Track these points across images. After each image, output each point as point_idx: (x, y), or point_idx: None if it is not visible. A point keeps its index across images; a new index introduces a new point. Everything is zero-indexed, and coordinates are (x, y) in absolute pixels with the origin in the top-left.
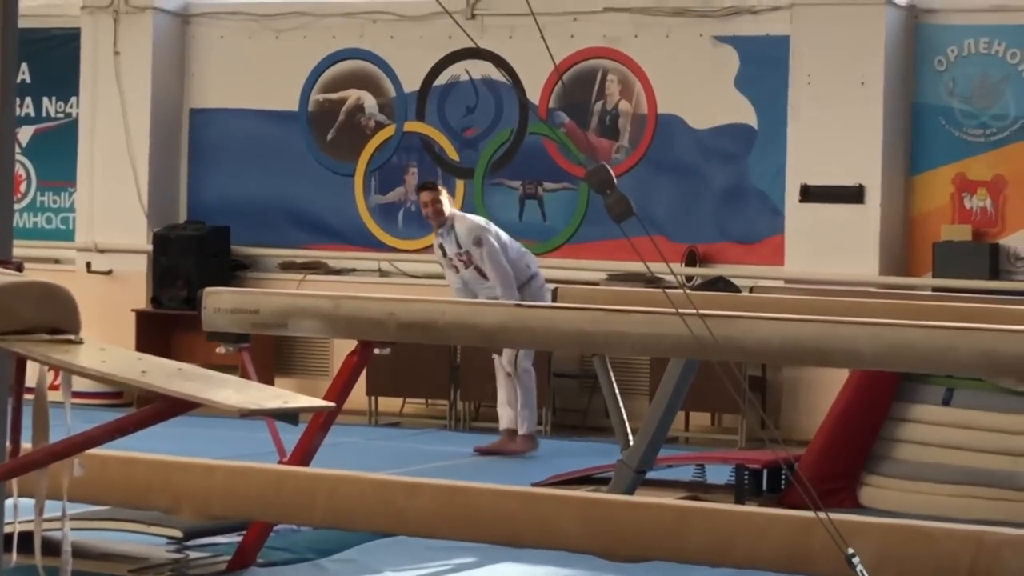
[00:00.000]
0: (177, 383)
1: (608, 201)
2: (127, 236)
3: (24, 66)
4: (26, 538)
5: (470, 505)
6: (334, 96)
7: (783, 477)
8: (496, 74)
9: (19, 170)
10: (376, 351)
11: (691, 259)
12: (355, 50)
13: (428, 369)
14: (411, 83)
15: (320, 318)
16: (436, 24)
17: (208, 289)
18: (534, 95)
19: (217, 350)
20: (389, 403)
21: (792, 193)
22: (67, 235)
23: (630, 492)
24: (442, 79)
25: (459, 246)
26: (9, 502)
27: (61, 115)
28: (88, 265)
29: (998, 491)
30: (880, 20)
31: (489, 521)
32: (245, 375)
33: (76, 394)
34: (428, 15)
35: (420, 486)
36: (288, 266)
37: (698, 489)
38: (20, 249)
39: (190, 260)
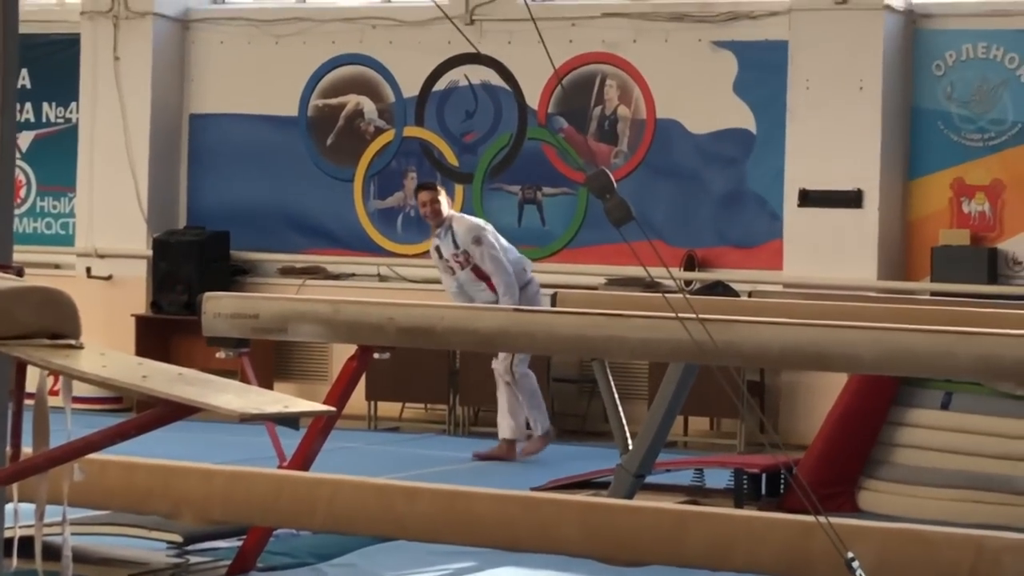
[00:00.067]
0: (178, 388)
1: (608, 206)
2: (127, 241)
3: (24, 71)
4: (26, 543)
5: (470, 510)
6: (333, 101)
7: (782, 481)
8: (495, 79)
9: (19, 175)
10: (375, 356)
11: (690, 263)
12: (354, 55)
13: (427, 374)
14: (410, 88)
15: (320, 323)
16: (435, 29)
17: (208, 294)
18: (533, 100)
19: (217, 355)
20: (388, 408)
21: (791, 197)
22: (67, 240)
23: (629, 496)
24: (441, 84)
25: (456, 247)
26: (9, 507)
27: (61, 120)
28: (88, 270)
29: (997, 495)
30: (878, 25)
31: (489, 526)
32: (245, 380)
33: (75, 399)
34: (427, 20)
35: (420, 491)
36: (287, 271)
37: (697, 493)
38: (20, 254)
39: (190, 265)
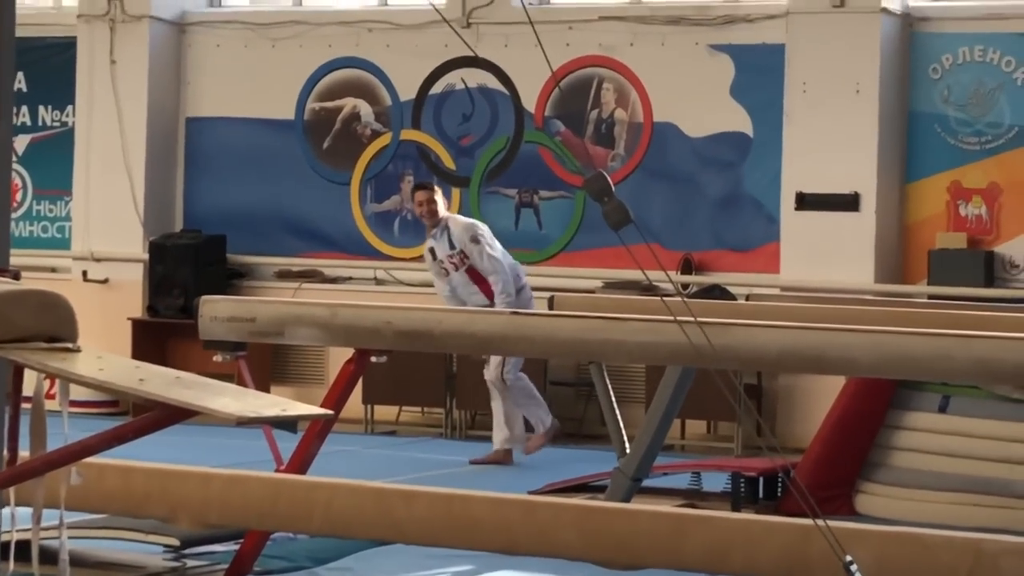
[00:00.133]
0: (175, 391)
1: (606, 208)
2: (123, 245)
3: (20, 75)
4: (23, 547)
5: (467, 513)
6: (330, 105)
7: (779, 484)
8: (492, 82)
9: (15, 179)
10: (373, 359)
11: (687, 267)
12: (351, 59)
13: (424, 377)
14: (407, 91)
15: (317, 326)
16: (432, 33)
17: (205, 297)
18: (530, 104)
19: (214, 358)
20: (385, 411)
21: (787, 201)
22: (63, 244)
23: (626, 500)
24: (438, 87)
25: (453, 247)
26: (6, 510)
27: (57, 124)
28: (84, 274)
29: (995, 499)
30: (875, 28)
31: (486, 529)
32: (241, 383)
33: (72, 403)
34: (424, 24)
35: (417, 494)
36: (284, 275)
37: (694, 497)
38: (16, 258)
39: (186, 269)
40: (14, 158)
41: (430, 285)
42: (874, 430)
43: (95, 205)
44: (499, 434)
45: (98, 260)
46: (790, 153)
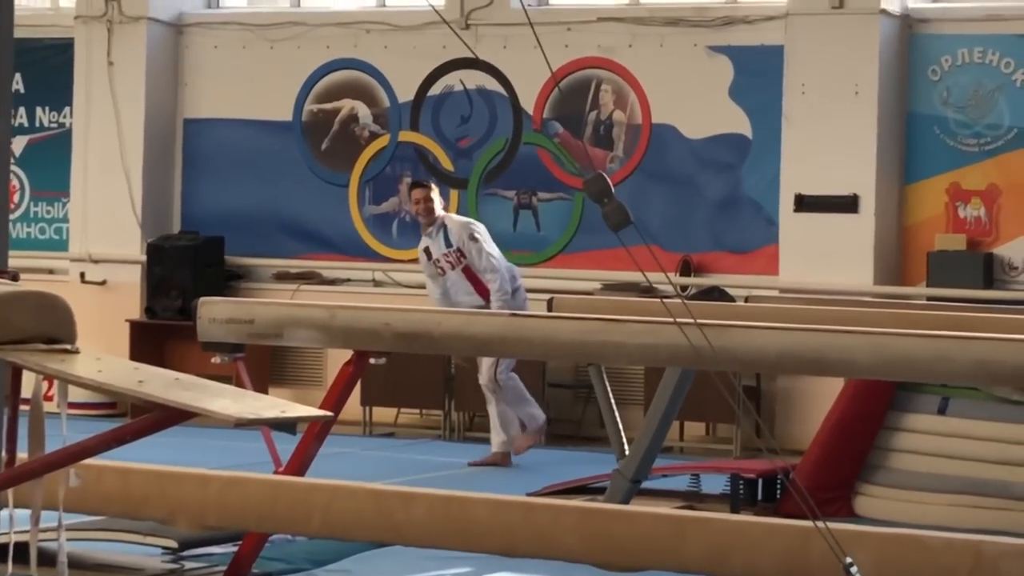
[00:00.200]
0: (174, 393)
1: (606, 210)
2: (121, 246)
3: (17, 76)
4: (22, 548)
5: (466, 515)
6: (328, 106)
7: (778, 486)
8: (490, 84)
9: (12, 180)
10: (372, 361)
11: (685, 269)
12: (349, 60)
13: (423, 379)
14: (405, 93)
15: (316, 328)
16: (430, 34)
17: (203, 299)
18: (528, 105)
19: (212, 360)
20: (384, 413)
21: (786, 203)
22: (61, 245)
23: (626, 502)
24: (436, 89)
25: (450, 244)
26: (5, 512)
27: (55, 125)
28: (82, 275)
29: (994, 500)
30: (874, 29)
31: (486, 531)
32: (240, 385)
33: (70, 404)
34: (422, 25)
35: (416, 496)
36: (282, 276)
37: (693, 499)
38: (13, 260)
39: (184, 270)
40: (11, 159)
41: None
42: (873, 432)
43: (93, 207)
44: (496, 437)
45: (96, 262)
46: (789, 155)
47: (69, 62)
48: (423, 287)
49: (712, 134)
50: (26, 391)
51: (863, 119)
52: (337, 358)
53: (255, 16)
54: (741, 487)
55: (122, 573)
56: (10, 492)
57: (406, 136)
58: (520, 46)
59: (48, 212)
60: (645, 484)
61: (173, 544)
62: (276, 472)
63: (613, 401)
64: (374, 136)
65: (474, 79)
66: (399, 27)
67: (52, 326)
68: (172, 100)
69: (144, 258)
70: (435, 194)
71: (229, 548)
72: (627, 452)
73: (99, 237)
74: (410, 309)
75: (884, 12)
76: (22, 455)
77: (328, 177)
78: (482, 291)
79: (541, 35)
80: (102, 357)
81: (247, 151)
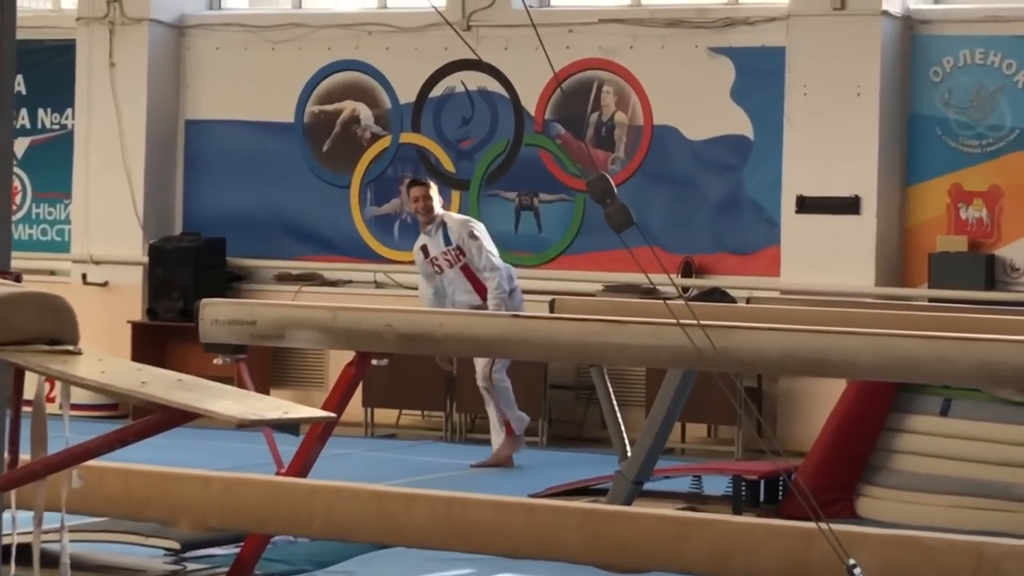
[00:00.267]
0: (177, 394)
1: (608, 211)
2: (123, 248)
3: (19, 77)
4: (24, 550)
5: (468, 517)
6: (330, 108)
7: (780, 488)
8: (492, 85)
9: (15, 182)
10: (374, 362)
11: (687, 270)
12: (351, 61)
13: (424, 381)
14: (407, 94)
15: (318, 329)
16: (431, 35)
17: (205, 300)
18: (530, 106)
19: (214, 361)
20: (385, 415)
21: (788, 204)
22: (63, 247)
23: (628, 503)
24: (438, 90)
25: (449, 242)
26: (7, 514)
27: (56, 127)
28: (84, 277)
29: (996, 502)
30: (876, 31)
31: (488, 533)
32: (242, 386)
33: (72, 406)
34: (424, 26)
35: (418, 498)
36: (284, 278)
37: (695, 500)
38: (15, 261)
39: (186, 272)
40: (13, 161)
41: None
42: (875, 433)
43: (95, 208)
44: (497, 438)
45: (98, 263)
46: (790, 156)
47: (71, 63)
48: None
49: (713, 135)
50: (28, 392)
51: (865, 120)
52: (338, 359)
53: (257, 17)
54: (743, 489)
55: (124, 574)
56: (13, 493)
57: (407, 137)
58: (521, 47)
59: (50, 213)
60: (647, 485)
61: (175, 545)
62: (278, 473)
63: (615, 402)
64: (376, 137)
65: (475, 80)
66: (400, 28)
67: (54, 327)
68: (174, 101)
69: (146, 259)
70: (434, 192)
71: (231, 549)
72: (629, 453)
73: (101, 238)
74: (412, 310)
75: (886, 13)
76: (25, 456)
77: (329, 178)
78: (480, 290)
79: (542, 36)
80: (105, 358)
81: (249, 152)
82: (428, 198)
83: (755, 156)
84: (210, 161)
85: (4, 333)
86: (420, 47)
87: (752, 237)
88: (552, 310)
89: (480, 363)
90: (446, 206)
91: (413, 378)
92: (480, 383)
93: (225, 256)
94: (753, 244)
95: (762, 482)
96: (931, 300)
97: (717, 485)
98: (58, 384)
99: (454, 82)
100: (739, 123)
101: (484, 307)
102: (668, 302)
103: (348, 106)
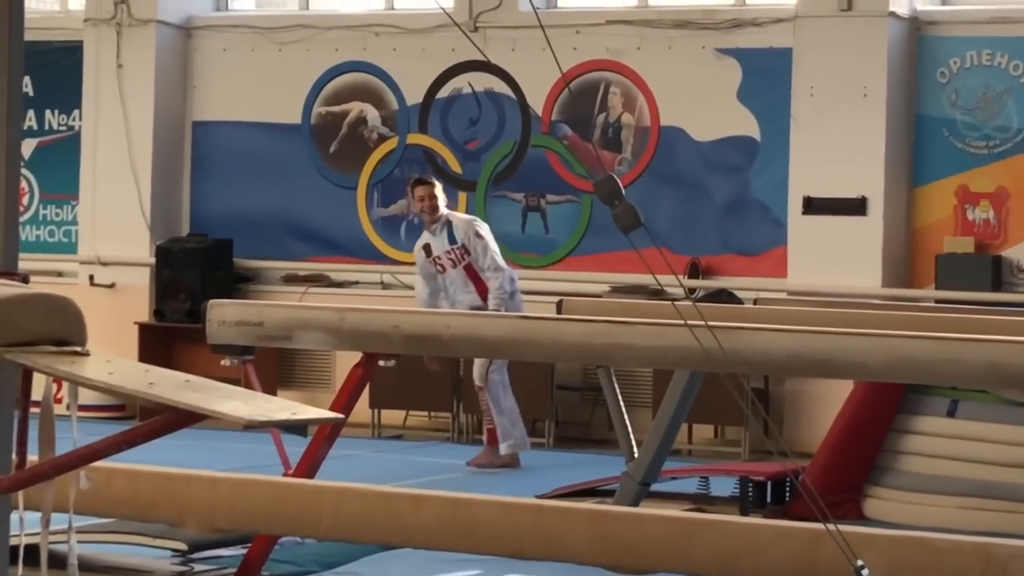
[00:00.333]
0: (185, 395)
1: (616, 212)
2: (130, 249)
3: (27, 79)
4: (32, 551)
5: (475, 518)
6: (337, 109)
7: (788, 489)
8: (499, 86)
9: (22, 183)
10: (381, 363)
11: (694, 271)
12: (358, 63)
13: (431, 382)
14: (414, 96)
15: (325, 330)
16: (439, 37)
17: (213, 301)
18: (537, 107)
19: (222, 362)
20: (392, 416)
21: (795, 205)
22: (70, 248)
23: (635, 504)
24: (445, 91)
25: (454, 241)
26: (15, 515)
27: (64, 128)
28: (91, 278)
29: (1003, 503)
30: (883, 32)
31: (494, 534)
32: (249, 387)
33: (79, 407)
34: (431, 28)
35: (425, 499)
36: (291, 279)
37: (702, 501)
38: (23, 262)
39: (193, 273)
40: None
41: None
42: (882, 434)
43: (102, 209)
44: (503, 439)
45: (105, 264)
46: (797, 157)
47: (78, 65)
48: None
49: (720, 136)
50: (36, 393)
51: (871, 121)
52: (346, 360)
53: (264, 19)
54: (750, 490)
55: (132, 575)
56: (20, 494)
57: (414, 139)
58: (529, 48)
59: (57, 215)
60: (654, 487)
61: (183, 546)
62: (285, 474)
63: (622, 403)
64: (383, 139)
65: (482, 82)
66: (408, 30)
67: (62, 328)
68: (181, 103)
69: (153, 260)
70: (438, 191)
71: (238, 550)
72: (636, 454)
73: (108, 239)
74: (419, 311)
75: (892, 14)
76: (32, 457)
77: (336, 179)
78: (481, 290)
79: (549, 38)
80: (112, 359)
81: (256, 154)
82: (433, 197)
83: (762, 157)
84: (217, 162)
85: (12, 334)
86: (427, 48)
87: (759, 238)
88: (559, 311)
89: (478, 363)
90: (453, 207)
91: (420, 379)
92: (476, 381)
93: (232, 257)
94: (760, 245)
95: (769, 483)
96: (938, 301)
97: (724, 486)
98: (65, 385)
99: (461, 83)
100: (746, 124)
101: (484, 307)
102: (675, 303)
103: (355, 107)
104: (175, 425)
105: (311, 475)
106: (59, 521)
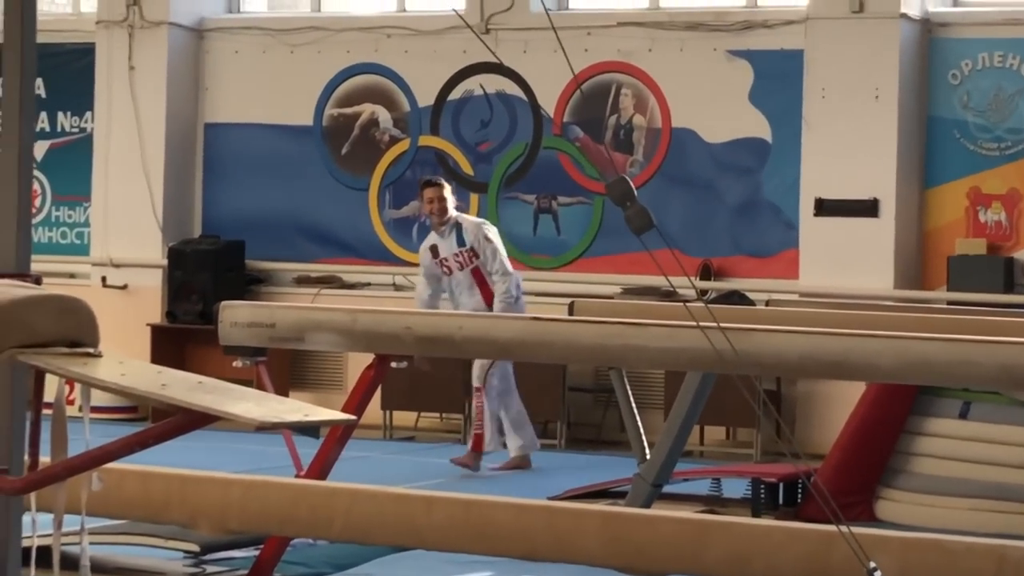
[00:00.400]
0: (198, 396)
1: (628, 213)
2: (142, 250)
3: (39, 81)
4: (44, 552)
5: (487, 519)
6: (348, 111)
7: (800, 490)
8: (511, 88)
9: (34, 185)
10: (393, 364)
11: (705, 273)
12: (369, 65)
13: (442, 383)
14: (425, 97)
15: (337, 332)
16: (450, 39)
17: (225, 303)
18: (548, 109)
19: (234, 364)
20: (404, 417)
21: (806, 207)
22: (82, 250)
23: (647, 506)
24: (456, 93)
25: (462, 243)
26: (27, 516)
27: (76, 130)
28: (103, 279)
29: (1016, 505)
30: (894, 33)
31: (507, 535)
32: (261, 389)
33: (92, 408)
34: (442, 30)
35: (437, 500)
36: (303, 280)
37: (714, 503)
38: (35, 264)
39: (205, 274)
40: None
41: None
42: (895, 436)
43: (114, 211)
44: (513, 441)
45: (117, 266)
46: (809, 159)
47: (90, 67)
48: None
49: (732, 138)
50: (48, 395)
51: (883, 123)
52: (358, 362)
53: (276, 21)
54: (762, 491)
55: None
56: (33, 496)
57: (426, 140)
58: (540, 50)
59: (70, 216)
60: (666, 488)
61: (195, 548)
62: (297, 476)
63: (634, 405)
64: (394, 140)
65: (494, 83)
66: (419, 32)
67: (74, 330)
68: (193, 105)
69: (165, 262)
70: (448, 192)
71: (251, 552)
72: (648, 456)
73: (120, 241)
74: (431, 313)
75: (904, 16)
76: (45, 459)
77: (348, 181)
78: (486, 293)
79: (561, 39)
80: (125, 361)
81: (268, 155)
82: (443, 199)
83: (773, 159)
84: (229, 164)
85: (24, 336)
86: (439, 50)
87: (770, 240)
88: (571, 313)
89: (477, 365)
90: (465, 209)
91: (432, 381)
92: (474, 382)
93: (244, 259)
94: (771, 247)
95: (781, 485)
96: (950, 303)
97: (736, 488)
98: (78, 386)
99: (473, 85)
100: (757, 126)
101: (489, 311)
102: (687, 305)
103: (367, 109)
104: (188, 427)
105: (323, 477)
106: (71, 523)
